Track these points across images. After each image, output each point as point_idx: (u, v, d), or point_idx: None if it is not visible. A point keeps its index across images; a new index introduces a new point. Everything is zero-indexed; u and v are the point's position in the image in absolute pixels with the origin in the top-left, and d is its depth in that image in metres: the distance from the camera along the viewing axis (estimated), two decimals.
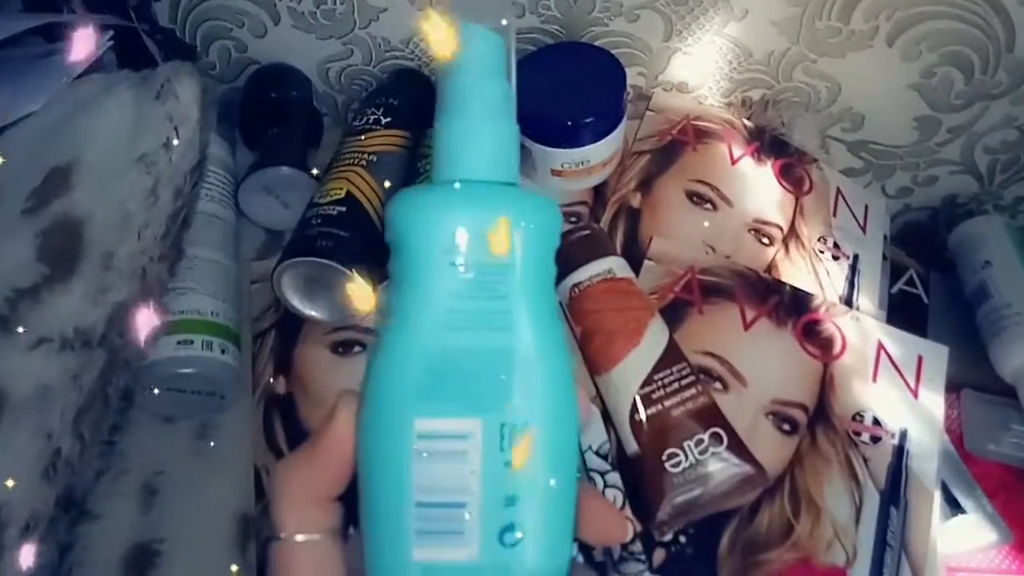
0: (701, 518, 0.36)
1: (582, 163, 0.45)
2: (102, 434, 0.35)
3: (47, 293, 0.32)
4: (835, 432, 0.40)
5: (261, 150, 0.48)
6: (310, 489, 0.20)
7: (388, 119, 0.46)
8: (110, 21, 0.46)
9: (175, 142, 0.37)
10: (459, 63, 0.21)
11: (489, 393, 0.19)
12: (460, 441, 0.19)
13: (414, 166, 0.45)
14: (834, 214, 0.50)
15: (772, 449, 0.38)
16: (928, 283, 0.52)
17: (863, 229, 0.51)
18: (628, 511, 0.37)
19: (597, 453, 0.38)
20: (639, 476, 0.37)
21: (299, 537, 0.20)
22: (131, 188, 0.35)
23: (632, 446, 0.37)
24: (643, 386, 0.38)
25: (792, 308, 0.43)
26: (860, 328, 0.44)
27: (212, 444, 0.40)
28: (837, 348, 0.43)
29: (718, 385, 0.40)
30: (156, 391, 0.38)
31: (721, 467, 0.37)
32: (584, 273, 0.41)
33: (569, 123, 0.43)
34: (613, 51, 0.47)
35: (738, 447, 0.37)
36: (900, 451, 0.40)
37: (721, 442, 0.37)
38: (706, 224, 0.46)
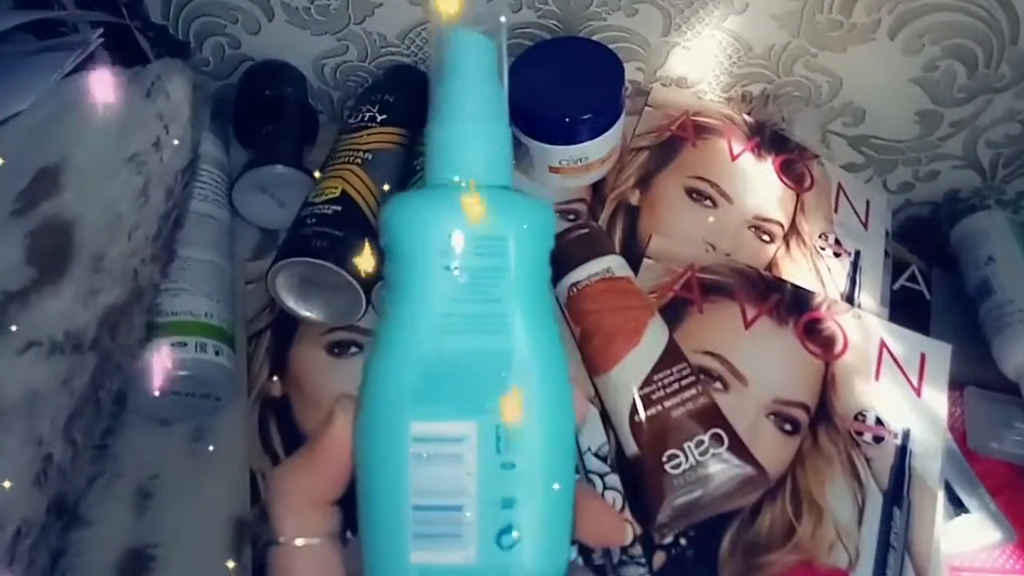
0: (702, 520, 0.36)
1: (580, 160, 0.45)
2: (94, 439, 0.35)
3: (36, 296, 0.31)
4: (837, 432, 0.39)
5: (255, 148, 0.48)
6: (309, 493, 0.20)
7: (384, 116, 0.45)
8: (101, 18, 0.45)
9: (166, 141, 0.36)
10: (451, 67, 0.21)
11: (485, 396, 0.19)
12: (456, 444, 0.19)
13: (410, 164, 0.44)
14: (835, 210, 0.50)
15: (773, 449, 0.38)
16: (930, 279, 0.52)
17: (865, 225, 0.50)
18: (627, 513, 0.36)
19: (596, 455, 0.38)
20: (639, 478, 0.37)
21: (298, 541, 0.20)
22: (121, 188, 0.34)
23: (632, 447, 0.37)
24: (643, 386, 0.38)
25: (793, 306, 0.43)
26: (862, 326, 0.44)
27: (209, 447, 0.40)
28: (839, 347, 0.42)
29: (718, 385, 0.39)
30: (157, 393, 0.38)
31: (722, 468, 0.36)
32: (582, 272, 0.41)
33: (567, 119, 0.42)
34: (611, 46, 0.46)
35: (739, 448, 0.37)
36: (903, 451, 0.40)
37: (722, 443, 0.37)
38: (710, 220, 0.45)
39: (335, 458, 0.20)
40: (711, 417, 0.37)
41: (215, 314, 0.40)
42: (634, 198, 0.46)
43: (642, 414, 0.37)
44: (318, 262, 0.38)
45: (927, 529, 0.38)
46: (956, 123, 0.53)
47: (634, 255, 0.43)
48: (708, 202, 0.46)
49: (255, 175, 0.45)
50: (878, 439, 0.40)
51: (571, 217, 0.46)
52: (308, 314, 0.41)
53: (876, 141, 0.55)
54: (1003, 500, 0.42)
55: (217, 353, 0.39)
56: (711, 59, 0.52)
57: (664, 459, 0.36)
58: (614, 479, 0.37)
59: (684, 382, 0.38)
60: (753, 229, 0.46)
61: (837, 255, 0.47)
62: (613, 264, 0.42)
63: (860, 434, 0.40)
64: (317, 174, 0.43)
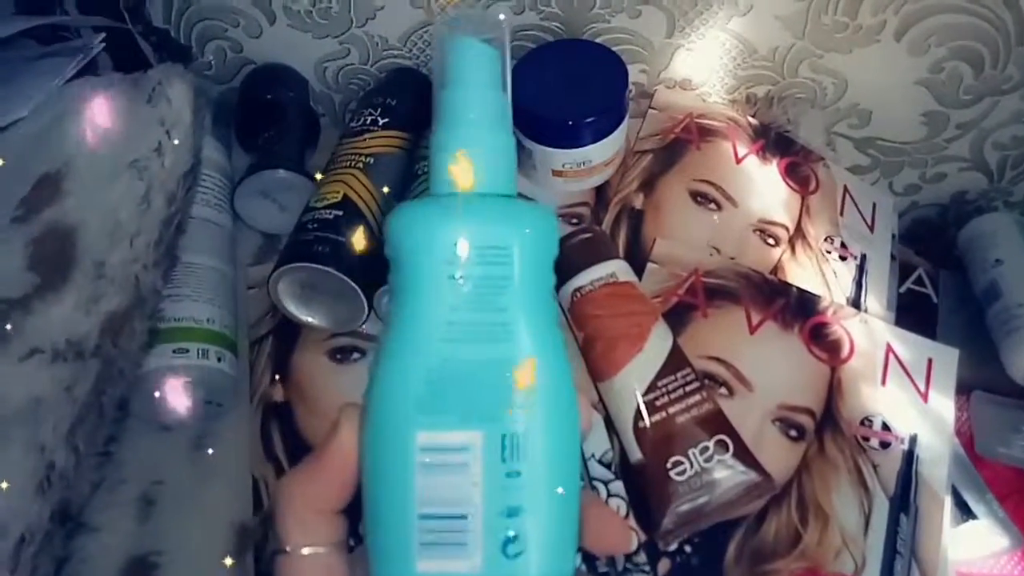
0: (707, 527, 0.36)
1: (584, 163, 0.44)
2: (97, 445, 0.35)
3: (38, 303, 0.31)
4: (843, 438, 0.39)
5: (257, 152, 0.48)
6: (314, 502, 0.21)
7: (385, 120, 0.45)
8: (103, 22, 0.45)
9: (168, 146, 0.36)
10: (454, 75, 0.21)
11: (489, 405, 0.19)
12: (461, 453, 0.19)
13: (412, 167, 0.44)
14: (841, 213, 0.49)
15: (779, 456, 0.38)
16: (937, 282, 0.51)
17: (871, 228, 0.50)
18: (632, 520, 0.36)
19: (600, 462, 0.37)
20: (643, 484, 0.36)
21: (305, 550, 0.20)
22: (123, 194, 0.34)
23: (636, 454, 0.37)
24: (647, 392, 0.37)
25: (799, 310, 0.43)
26: (868, 331, 0.43)
27: (210, 452, 0.40)
28: (845, 351, 0.42)
29: (723, 390, 0.39)
30: (157, 395, 0.38)
31: (727, 475, 0.36)
32: (586, 277, 0.40)
33: (570, 122, 0.42)
34: (615, 48, 0.46)
35: (744, 454, 0.37)
36: (910, 457, 0.39)
37: (727, 449, 0.36)
38: (714, 223, 0.45)
39: (341, 467, 0.20)
40: (716, 423, 0.37)
41: (217, 320, 0.40)
42: (638, 201, 0.46)
43: (646, 420, 0.37)
44: (320, 268, 0.37)
45: (934, 535, 0.38)
46: (963, 125, 0.52)
47: (638, 259, 0.43)
48: (713, 205, 0.46)
49: (257, 180, 0.45)
50: (885, 445, 0.39)
51: (574, 221, 0.46)
52: (310, 319, 0.40)
53: (882, 143, 0.55)
54: (1011, 506, 0.42)
55: (219, 359, 0.39)
56: (715, 61, 0.51)
57: (669, 465, 0.36)
58: (618, 486, 0.37)
59: (688, 388, 0.38)
60: (758, 232, 0.46)
61: (843, 258, 0.47)
62: (617, 269, 0.41)
63: (866, 440, 0.39)
64: (319, 177, 0.43)
